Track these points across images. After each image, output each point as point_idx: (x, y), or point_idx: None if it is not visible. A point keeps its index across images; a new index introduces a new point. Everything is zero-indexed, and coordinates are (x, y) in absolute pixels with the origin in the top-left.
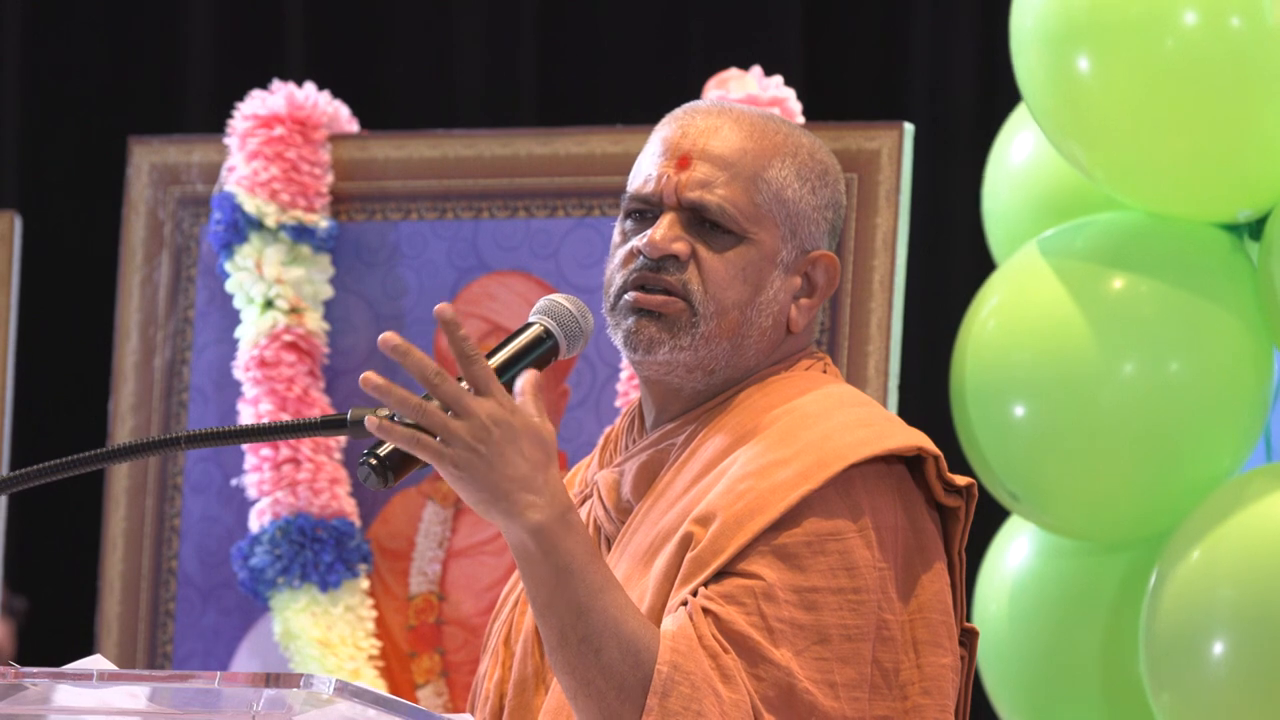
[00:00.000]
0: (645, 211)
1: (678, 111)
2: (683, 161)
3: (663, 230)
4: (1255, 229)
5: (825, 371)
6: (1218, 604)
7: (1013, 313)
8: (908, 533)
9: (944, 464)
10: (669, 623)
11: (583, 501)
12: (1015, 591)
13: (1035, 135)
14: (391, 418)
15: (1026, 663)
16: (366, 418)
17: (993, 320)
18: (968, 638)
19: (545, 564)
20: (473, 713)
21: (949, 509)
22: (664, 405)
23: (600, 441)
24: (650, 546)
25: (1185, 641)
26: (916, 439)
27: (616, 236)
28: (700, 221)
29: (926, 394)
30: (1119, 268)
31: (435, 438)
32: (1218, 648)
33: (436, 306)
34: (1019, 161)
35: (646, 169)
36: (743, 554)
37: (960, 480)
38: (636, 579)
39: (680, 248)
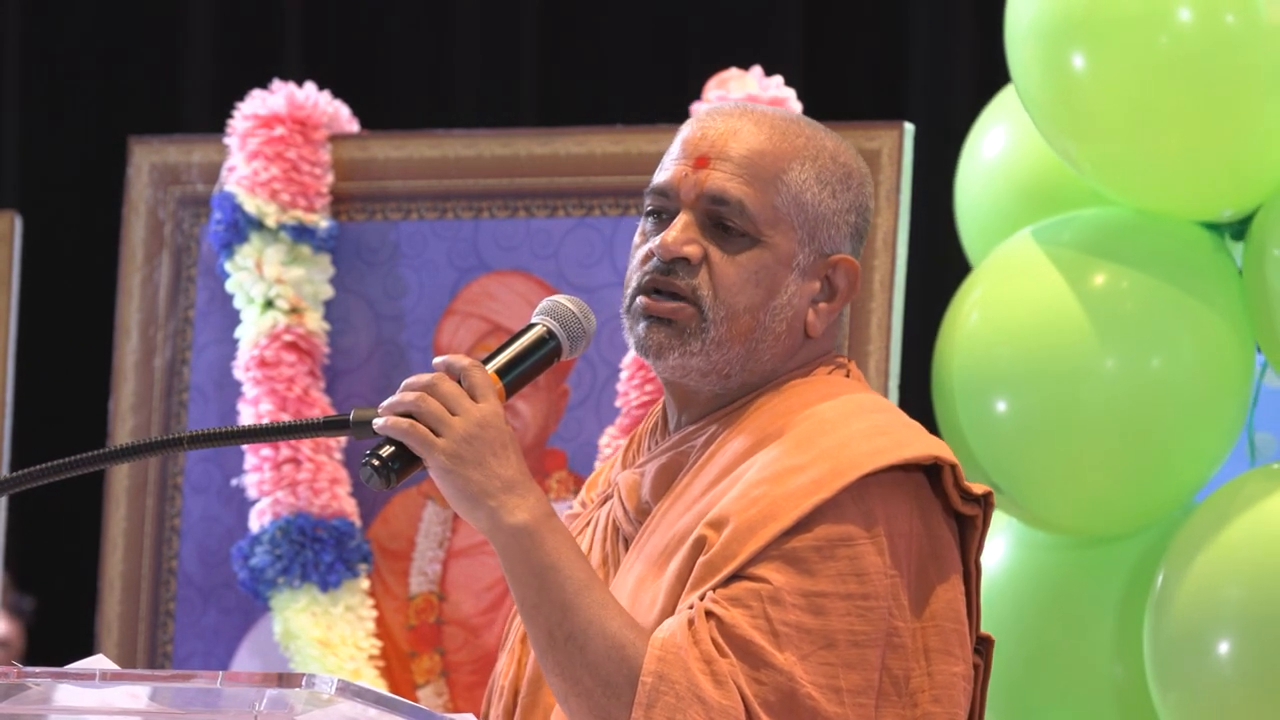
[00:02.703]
0: (663, 212)
1: (700, 112)
2: (700, 161)
3: (675, 232)
4: (1236, 228)
5: (848, 376)
6: (1224, 604)
7: (995, 307)
8: (923, 540)
9: (961, 473)
10: (664, 628)
11: (604, 502)
12: (992, 592)
13: (1008, 130)
14: None
15: (1004, 663)
16: (375, 419)
17: (975, 314)
18: (983, 646)
19: (530, 563)
20: (488, 708)
21: (966, 517)
22: (684, 406)
23: (625, 442)
24: (665, 549)
25: (1192, 642)
26: (933, 448)
27: (637, 237)
28: (715, 224)
29: (927, 394)
30: (1102, 263)
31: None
32: (1224, 647)
33: (434, 361)
34: (991, 156)
35: (666, 168)
36: (754, 559)
37: (977, 488)
38: (650, 580)
39: (692, 250)
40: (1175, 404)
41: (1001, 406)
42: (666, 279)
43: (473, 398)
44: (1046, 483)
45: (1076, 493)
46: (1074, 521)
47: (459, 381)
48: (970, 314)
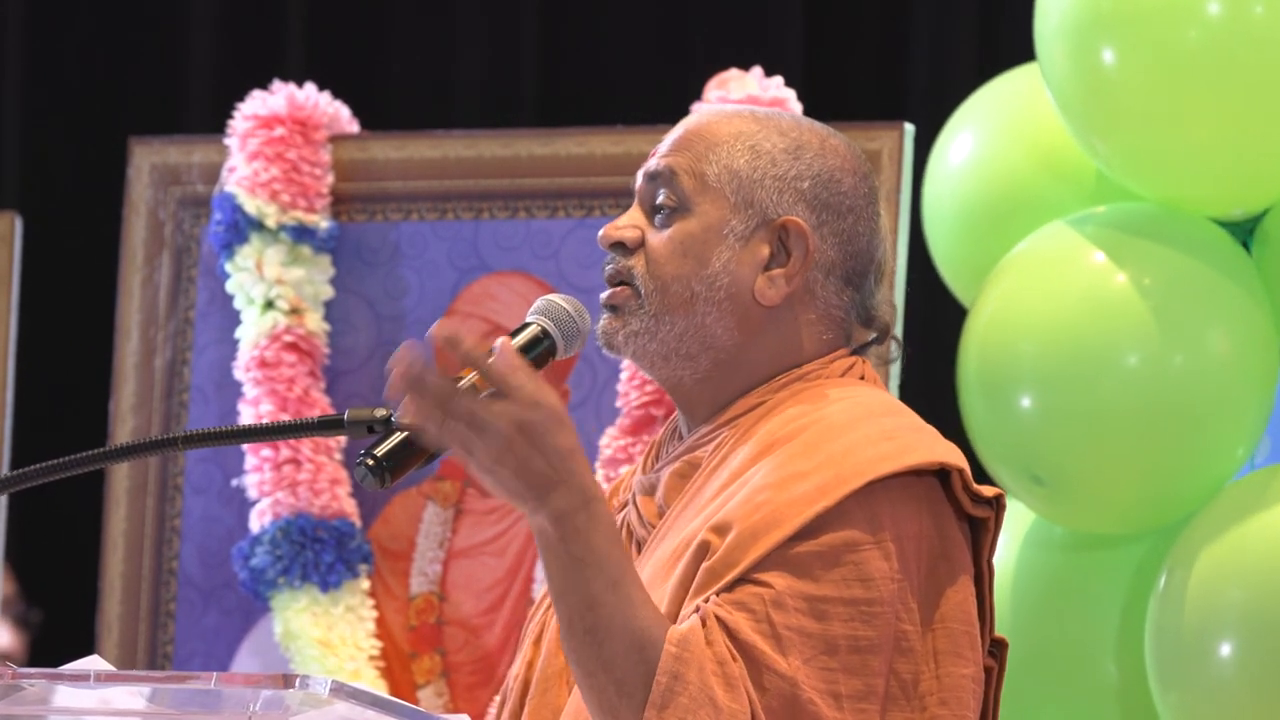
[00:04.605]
0: None
1: None
2: (651, 154)
3: (617, 221)
4: (1239, 229)
5: (863, 377)
6: (1227, 605)
7: (1018, 303)
8: (934, 541)
9: (969, 476)
10: (679, 629)
11: (622, 507)
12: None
13: (973, 137)
14: (389, 420)
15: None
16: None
17: (998, 310)
18: (997, 649)
19: (563, 551)
20: (501, 709)
21: (978, 520)
22: (688, 409)
23: (646, 449)
24: (674, 553)
25: (1194, 642)
26: (938, 453)
27: None
28: (654, 207)
29: (927, 394)
30: (1125, 259)
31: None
32: (1226, 649)
33: (431, 329)
34: (958, 163)
35: None
36: (756, 566)
37: (988, 491)
38: (658, 584)
39: (626, 234)
40: (1199, 400)
41: (1025, 402)
42: (612, 268)
43: (500, 393)
44: (1070, 479)
45: (1100, 489)
46: (1097, 518)
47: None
48: (993, 309)
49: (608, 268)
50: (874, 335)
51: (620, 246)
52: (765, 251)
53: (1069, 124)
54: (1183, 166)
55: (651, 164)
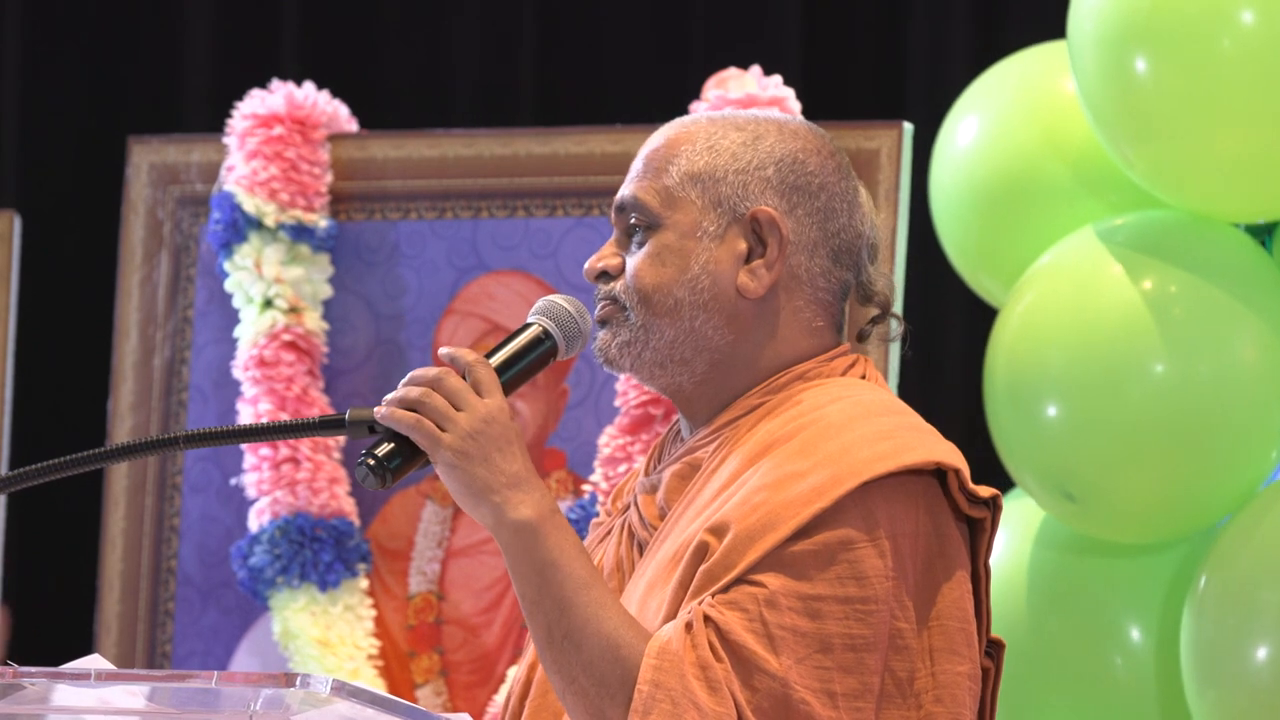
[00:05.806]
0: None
1: None
2: (625, 182)
3: (596, 254)
4: (1259, 228)
5: (864, 376)
6: (1263, 607)
7: (1045, 313)
8: (930, 539)
9: (966, 476)
10: (661, 633)
11: (625, 510)
12: (1009, 592)
13: (978, 121)
14: None
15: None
16: (377, 411)
17: (1025, 319)
18: (994, 649)
19: (531, 560)
20: (506, 710)
21: (975, 520)
22: (689, 412)
23: (647, 449)
24: (675, 554)
25: (1231, 645)
26: (935, 453)
27: None
28: (629, 233)
29: (926, 395)
30: (1150, 268)
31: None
32: (1263, 651)
33: (440, 351)
34: (964, 145)
35: None
36: (753, 567)
37: (984, 491)
38: (659, 586)
39: (608, 263)
40: (1230, 406)
41: (1052, 411)
42: (600, 294)
43: (478, 393)
44: (1101, 489)
45: (1131, 499)
46: (1129, 529)
47: (464, 376)
48: (1020, 318)
49: (596, 296)
50: (875, 314)
51: (604, 275)
52: (743, 246)
53: (1101, 133)
54: (1215, 176)
55: (617, 197)
